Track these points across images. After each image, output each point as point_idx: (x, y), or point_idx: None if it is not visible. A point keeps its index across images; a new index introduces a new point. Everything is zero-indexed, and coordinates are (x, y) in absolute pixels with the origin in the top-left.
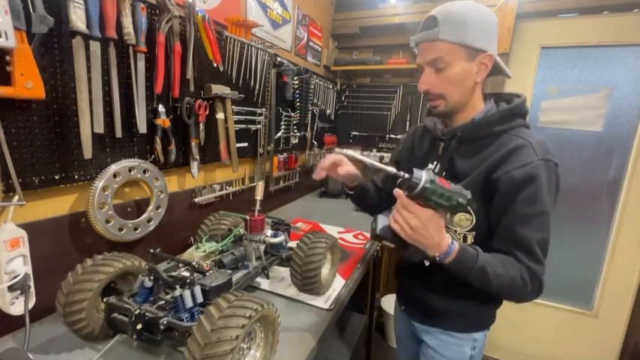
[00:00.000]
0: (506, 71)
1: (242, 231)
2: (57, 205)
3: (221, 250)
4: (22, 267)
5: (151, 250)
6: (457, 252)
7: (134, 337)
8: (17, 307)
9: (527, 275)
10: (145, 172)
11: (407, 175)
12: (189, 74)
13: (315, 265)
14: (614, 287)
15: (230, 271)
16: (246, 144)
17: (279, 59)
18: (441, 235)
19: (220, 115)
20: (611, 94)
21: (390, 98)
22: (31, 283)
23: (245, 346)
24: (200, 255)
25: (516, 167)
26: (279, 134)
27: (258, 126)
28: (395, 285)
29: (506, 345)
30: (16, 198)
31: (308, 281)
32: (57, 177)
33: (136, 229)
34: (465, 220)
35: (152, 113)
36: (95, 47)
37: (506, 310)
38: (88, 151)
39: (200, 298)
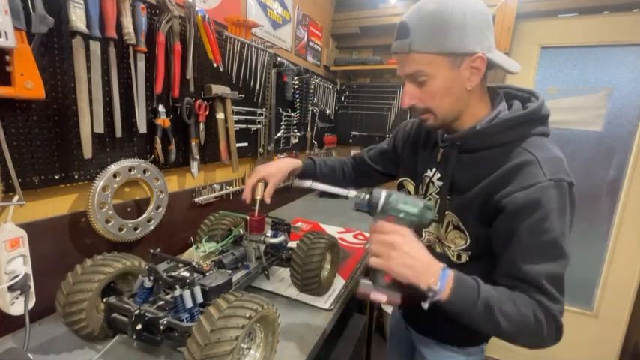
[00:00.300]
0: (506, 68)
1: (242, 231)
2: (57, 205)
3: (221, 250)
4: (22, 267)
5: (151, 250)
6: (453, 278)
7: (134, 337)
8: (17, 307)
9: (542, 314)
10: (145, 172)
11: (367, 196)
12: (189, 74)
13: (315, 265)
14: (614, 287)
15: (230, 272)
16: (246, 144)
17: (279, 59)
18: (427, 252)
19: (220, 115)
20: (611, 94)
21: (390, 98)
22: (31, 283)
23: (245, 346)
24: (200, 255)
25: (519, 189)
26: (279, 134)
27: (258, 126)
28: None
29: (506, 345)
30: (16, 198)
31: (308, 281)
32: (57, 177)
33: (135, 229)
34: (458, 239)
35: (152, 113)
36: (95, 47)
37: None
38: (88, 151)
39: (200, 298)
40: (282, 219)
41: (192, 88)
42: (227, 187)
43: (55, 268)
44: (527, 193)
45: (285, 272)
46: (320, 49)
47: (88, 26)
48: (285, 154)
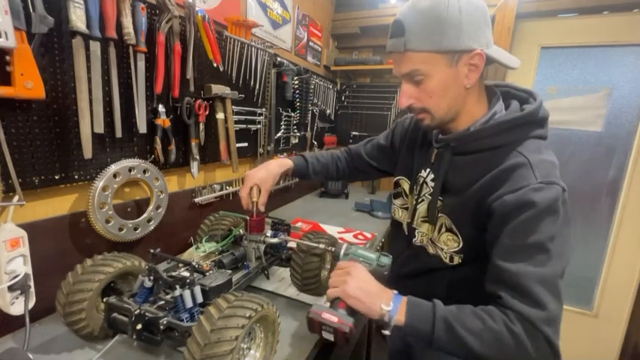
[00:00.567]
0: (505, 63)
1: (242, 231)
2: (57, 205)
3: (221, 251)
4: (22, 267)
5: (151, 250)
6: (407, 302)
7: (134, 337)
8: (17, 307)
9: (519, 326)
10: (145, 172)
11: (334, 249)
12: (189, 74)
13: (315, 265)
14: (614, 287)
15: (230, 272)
16: (246, 144)
17: (279, 59)
18: (380, 284)
19: (220, 115)
20: (611, 94)
21: (390, 98)
22: (31, 283)
23: (245, 346)
24: (200, 255)
25: (508, 192)
26: (279, 134)
27: (258, 126)
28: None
29: None
30: (16, 198)
31: (308, 281)
32: (57, 177)
33: (135, 229)
34: (451, 241)
35: (152, 113)
36: (95, 47)
37: None
38: (88, 151)
39: (200, 299)
40: (282, 219)
41: (192, 88)
42: (227, 187)
43: (55, 268)
44: (516, 195)
45: (285, 272)
46: (320, 49)
47: (88, 26)
48: (285, 154)
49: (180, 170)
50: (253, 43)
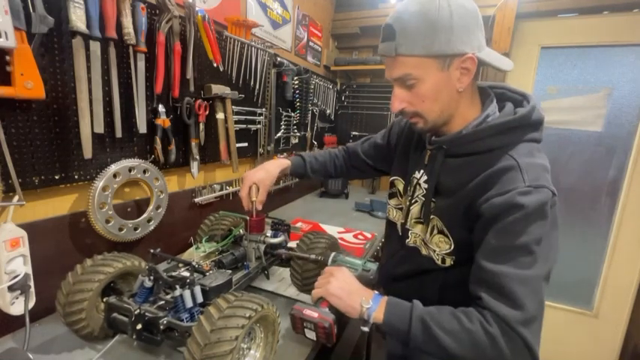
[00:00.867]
0: (497, 66)
1: (242, 231)
2: (57, 205)
3: (221, 251)
4: (22, 267)
5: (151, 250)
6: (387, 301)
7: (134, 337)
8: (17, 307)
9: (495, 326)
10: (145, 172)
11: (321, 258)
12: (189, 74)
13: (315, 266)
14: (614, 287)
15: (230, 272)
16: (246, 144)
17: (279, 59)
18: (362, 285)
19: (220, 115)
20: (611, 94)
21: (389, 98)
22: (31, 283)
23: (245, 346)
24: (200, 255)
25: (497, 194)
26: (279, 134)
27: (258, 126)
28: None
29: None
30: (16, 198)
31: (308, 281)
32: (57, 177)
33: (135, 229)
34: (443, 243)
35: (152, 113)
36: (95, 47)
37: None
38: (88, 151)
39: (200, 298)
40: (282, 219)
41: (192, 88)
42: (227, 187)
43: (55, 268)
44: (504, 197)
45: (285, 272)
46: (320, 49)
47: (88, 26)
48: (285, 154)
49: (180, 170)
50: (253, 43)
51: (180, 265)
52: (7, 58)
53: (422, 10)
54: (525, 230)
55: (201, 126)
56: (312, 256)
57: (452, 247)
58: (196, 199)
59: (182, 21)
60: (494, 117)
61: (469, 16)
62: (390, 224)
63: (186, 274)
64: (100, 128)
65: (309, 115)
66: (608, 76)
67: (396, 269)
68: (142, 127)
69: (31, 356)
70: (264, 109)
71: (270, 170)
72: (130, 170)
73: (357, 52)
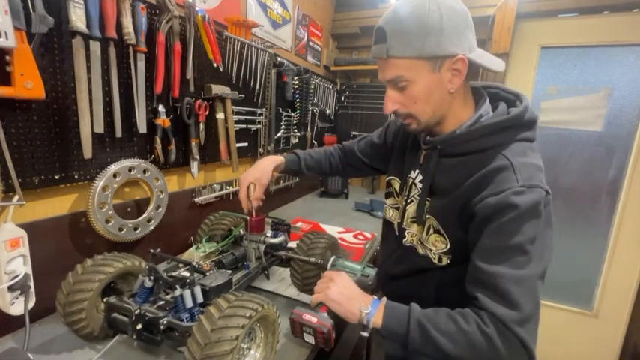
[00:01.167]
0: (488, 67)
1: (242, 231)
2: (57, 205)
3: (221, 251)
4: (22, 267)
5: (151, 250)
6: (385, 305)
7: (134, 337)
8: (17, 307)
9: (491, 326)
10: (145, 172)
11: (321, 261)
12: (189, 74)
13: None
14: (614, 287)
15: (230, 272)
16: (246, 144)
17: (279, 59)
18: (361, 290)
19: (220, 115)
20: (611, 94)
21: None
22: (31, 283)
23: (245, 346)
24: (200, 255)
25: (490, 195)
26: (279, 134)
27: (258, 126)
28: None
29: None
30: (16, 198)
31: (308, 281)
32: (57, 177)
33: (136, 229)
34: (439, 242)
35: (152, 113)
36: (95, 47)
37: None
38: (88, 151)
39: (200, 298)
40: (282, 219)
41: (192, 88)
42: (227, 187)
43: (55, 268)
44: (497, 198)
45: (285, 272)
46: (320, 49)
47: (88, 26)
48: (285, 154)
49: (180, 170)
50: (253, 43)
51: (181, 265)
52: (7, 58)
53: (412, 13)
54: (519, 230)
55: (201, 126)
56: (312, 259)
57: (448, 247)
58: (196, 199)
59: (182, 21)
60: (487, 117)
61: (459, 18)
62: (387, 224)
63: (187, 274)
64: (100, 128)
65: (309, 115)
66: (608, 76)
67: (394, 268)
68: (142, 127)
69: (31, 356)
70: (264, 109)
71: (264, 168)
72: (130, 170)
73: (357, 52)
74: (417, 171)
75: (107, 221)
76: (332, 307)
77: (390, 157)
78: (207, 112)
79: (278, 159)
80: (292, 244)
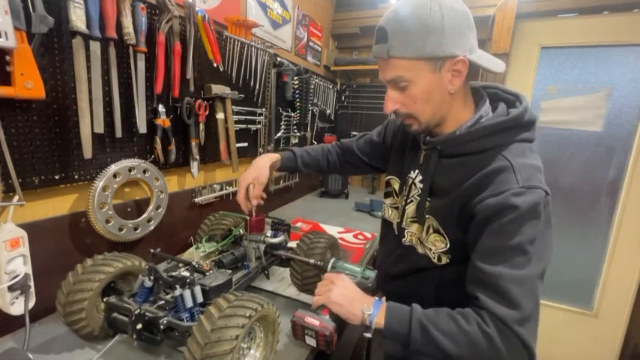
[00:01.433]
0: (488, 68)
1: (242, 231)
2: (57, 205)
3: (221, 251)
4: (22, 267)
5: (151, 250)
6: (387, 306)
7: (134, 336)
8: (17, 307)
9: (492, 325)
10: (145, 172)
11: (321, 263)
12: (189, 74)
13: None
14: (614, 287)
15: (230, 271)
16: (246, 144)
17: (279, 59)
18: (362, 292)
19: (220, 115)
20: (611, 94)
21: None
22: (31, 283)
23: (245, 346)
24: (200, 255)
25: (491, 195)
26: (279, 134)
27: (258, 126)
28: None
29: None
30: (16, 198)
31: (308, 281)
32: (57, 177)
33: (136, 229)
34: (439, 242)
35: (152, 113)
36: (95, 47)
37: None
38: (88, 151)
39: (200, 298)
40: (282, 219)
41: (192, 88)
42: (227, 187)
43: (55, 268)
44: (498, 199)
45: (285, 272)
46: (320, 49)
47: (88, 26)
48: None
49: (180, 170)
50: (253, 43)
51: (181, 265)
52: (7, 58)
53: (413, 13)
54: (519, 231)
55: (201, 126)
56: (312, 261)
57: (447, 246)
58: (196, 199)
59: (182, 21)
60: (487, 118)
61: (460, 19)
62: (386, 223)
63: (187, 273)
64: (100, 128)
65: (309, 115)
66: (608, 76)
67: (393, 268)
68: (142, 127)
69: (31, 356)
70: (264, 109)
71: (261, 166)
72: (130, 170)
73: (357, 52)
74: (417, 171)
75: (107, 221)
76: (334, 309)
77: (389, 156)
78: (207, 112)
79: (274, 156)
80: (292, 244)
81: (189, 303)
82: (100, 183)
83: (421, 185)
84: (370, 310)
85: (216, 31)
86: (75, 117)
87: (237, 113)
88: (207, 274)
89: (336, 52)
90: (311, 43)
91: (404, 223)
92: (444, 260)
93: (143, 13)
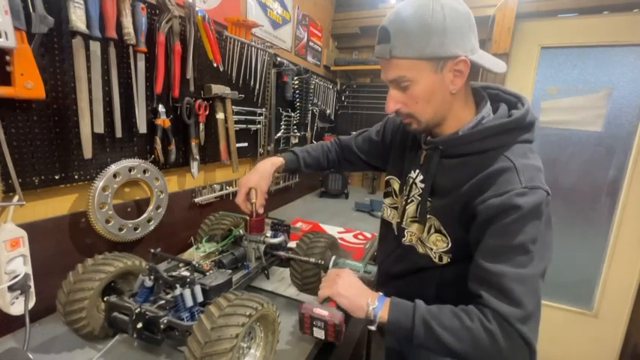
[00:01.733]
0: (490, 69)
1: (242, 231)
2: (57, 205)
3: (221, 251)
4: (22, 267)
5: (151, 250)
6: (390, 301)
7: (134, 335)
8: (17, 307)
9: (494, 323)
10: (145, 172)
11: (322, 261)
12: (189, 74)
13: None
14: (614, 287)
15: (230, 271)
16: (246, 144)
17: (279, 59)
18: (365, 286)
19: (220, 115)
20: (611, 94)
21: None
22: (31, 283)
23: (245, 345)
24: (200, 255)
25: (494, 196)
26: (279, 134)
27: (258, 126)
28: None
29: None
30: (16, 198)
31: (308, 280)
32: (57, 177)
33: (136, 229)
34: (440, 242)
35: (152, 113)
36: (95, 47)
37: None
38: (88, 151)
39: (200, 298)
40: (282, 220)
41: (192, 88)
42: (227, 187)
43: (55, 268)
44: (501, 199)
45: (285, 272)
46: (320, 49)
47: (88, 26)
48: (283, 153)
49: (180, 170)
50: (253, 43)
51: (181, 264)
52: (7, 58)
53: (416, 14)
54: (522, 230)
55: (201, 126)
56: (312, 260)
57: (449, 246)
58: (196, 199)
59: (182, 21)
60: (488, 119)
61: (462, 19)
62: (386, 223)
63: (187, 273)
64: (100, 128)
65: (309, 115)
66: (608, 76)
67: (393, 268)
68: (142, 127)
69: (31, 356)
70: (264, 109)
71: (264, 172)
72: (130, 170)
73: (357, 52)
74: (418, 171)
75: (107, 221)
76: (340, 301)
77: (388, 155)
78: (207, 112)
79: (278, 161)
80: (292, 244)
81: (189, 302)
82: (100, 183)
83: (422, 185)
84: (375, 304)
85: (216, 31)
86: (75, 117)
87: (237, 113)
88: (208, 274)
89: (336, 52)
90: (311, 43)
91: (404, 223)
92: (445, 260)
93: (143, 13)
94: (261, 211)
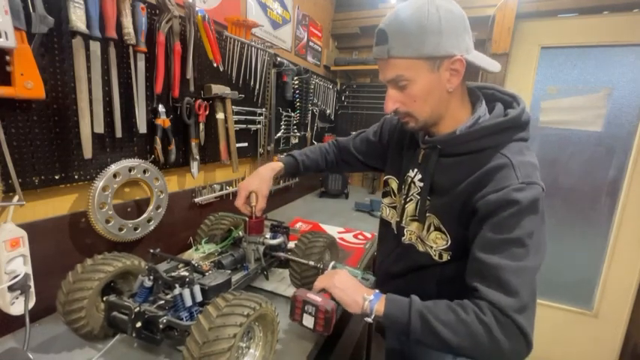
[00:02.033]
0: (485, 68)
1: (241, 233)
2: (57, 205)
3: (220, 252)
4: (22, 267)
5: (151, 250)
6: (386, 296)
7: (134, 335)
8: (17, 307)
9: (489, 314)
10: (145, 172)
11: (321, 265)
12: (189, 74)
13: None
14: (614, 287)
15: (229, 272)
16: (246, 144)
17: (279, 59)
18: (361, 284)
19: (220, 115)
20: (611, 94)
21: None
22: (31, 283)
23: (244, 345)
24: (200, 256)
25: (492, 191)
26: (279, 134)
27: (258, 126)
28: None
29: None
30: (16, 198)
31: (307, 280)
32: (57, 177)
33: (135, 229)
34: (440, 239)
35: (152, 113)
36: (95, 47)
37: None
38: (88, 151)
39: (199, 298)
40: (281, 221)
41: (192, 88)
42: (227, 187)
43: (55, 268)
44: (499, 194)
45: (284, 272)
46: (320, 49)
47: (88, 26)
48: (285, 154)
49: (180, 170)
50: (253, 43)
51: (180, 265)
52: (7, 58)
53: (412, 16)
54: (519, 224)
55: (201, 126)
56: (312, 263)
57: (449, 243)
58: (196, 199)
59: (182, 21)
60: (485, 118)
61: (457, 21)
62: (385, 223)
63: (186, 273)
64: (100, 128)
65: (309, 115)
66: (608, 76)
67: (393, 267)
68: (142, 127)
69: (31, 356)
70: (264, 109)
71: (264, 176)
72: (130, 170)
73: (357, 52)
74: (416, 170)
75: (107, 221)
76: (335, 293)
77: (386, 155)
78: (207, 112)
79: (277, 166)
80: (292, 244)
81: (188, 302)
82: (100, 183)
83: (421, 184)
84: (371, 297)
85: (216, 31)
86: (75, 117)
87: (237, 113)
88: (207, 274)
89: (336, 52)
90: (311, 43)
91: (403, 222)
92: (445, 257)
93: (143, 13)
94: (260, 215)
